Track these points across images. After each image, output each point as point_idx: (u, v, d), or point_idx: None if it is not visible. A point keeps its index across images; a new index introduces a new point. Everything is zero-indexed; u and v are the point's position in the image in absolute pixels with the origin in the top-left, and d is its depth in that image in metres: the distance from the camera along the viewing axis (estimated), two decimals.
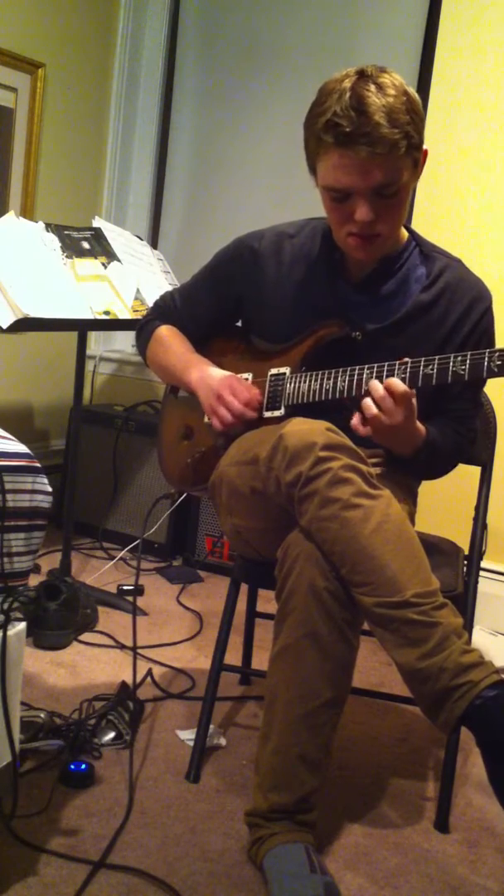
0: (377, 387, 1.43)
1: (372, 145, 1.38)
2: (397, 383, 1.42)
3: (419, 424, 1.50)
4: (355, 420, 1.48)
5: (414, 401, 1.44)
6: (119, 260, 2.52)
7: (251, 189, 3.12)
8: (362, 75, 1.42)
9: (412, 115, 1.42)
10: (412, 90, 1.45)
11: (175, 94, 3.29)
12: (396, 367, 1.45)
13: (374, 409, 1.44)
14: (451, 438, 1.62)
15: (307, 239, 1.65)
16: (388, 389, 1.42)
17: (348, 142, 1.39)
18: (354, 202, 1.46)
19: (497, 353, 1.35)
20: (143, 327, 1.86)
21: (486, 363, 1.36)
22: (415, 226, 2.69)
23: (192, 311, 1.79)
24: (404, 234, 1.63)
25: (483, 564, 1.98)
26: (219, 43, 3.16)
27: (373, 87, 1.39)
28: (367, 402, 1.45)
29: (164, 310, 1.84)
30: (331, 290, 1.62)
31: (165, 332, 1.81)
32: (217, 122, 3.20)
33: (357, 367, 1.50)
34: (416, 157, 1.46)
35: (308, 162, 1.52)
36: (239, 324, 1.79)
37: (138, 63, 3.31)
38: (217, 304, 1.75)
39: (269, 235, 1.67)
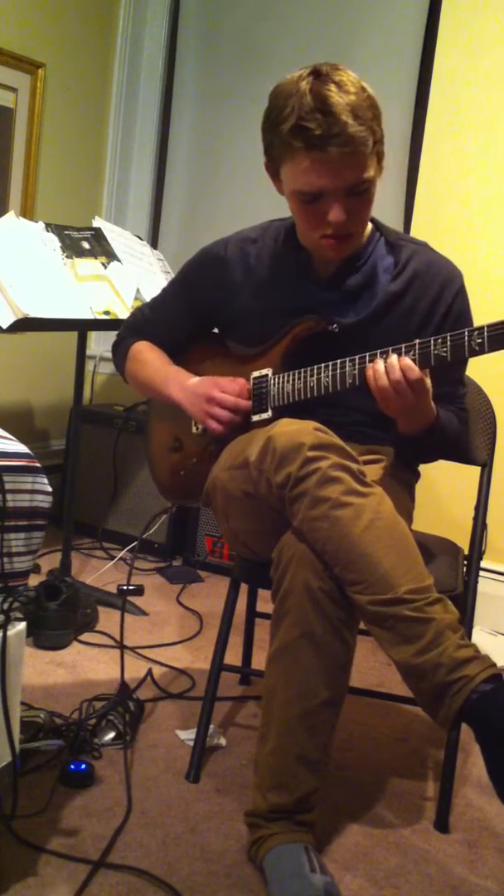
0: (394, 367, 1.40)
1: (342, 145, 1.38)
2: (412, 367, 1.39)
3: (432, 403, 1.48)
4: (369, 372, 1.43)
5: (428, 380, 1.42)
6: (119, 260, 2.53)
7: (251, 189, 3.12)
8: (318, 75, 1.41)
9: (374, 112, 1.43)
10: (367, 85, 1.44)
11: (175, 94, 3.29)
12: (378, 355, 1.44)
13: (384, 381, 1.40)
14: (452, 420, 1.61)
15: (271, 241, 1.65)
16: (404, 372, 1.39)
17: (319, 144, 1.38)
18: (326, 204, 1.46)
19: (476, 332, 1.35)
20: (117, 346, 1.86)
21: (466, 342, 1.36)
22: (415, 225, 2.71)
23: (164, 324, 1.79)
24: (368, 225, 1.62)
25: (483, 564, 1.98)
26: (219, 43, 3.16)
27: (333, 87, 1.39)
28: (379, 371, 1.41)
29: (137, 326, 1.84)
30: (300, 290, 1.62)
31: (140, 347, 1.80)
32: (217, 122, 3.19)
33: (339, 361, 1.50)
34: (380, 151, 1.46)
35: (270, 168, 1.52)
36: (215, 331, 1.78)
37: (138, 63, 3.31)
38: (189, 314, 1.75)
39: (233, 242, 1.67)
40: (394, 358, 1.41)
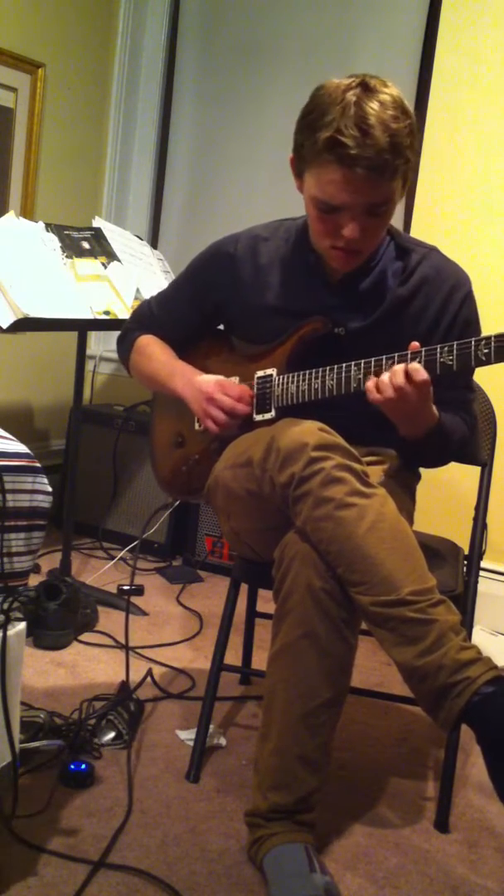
0: (399, 374, 1.40)
1: (371, 168, 1.37)
2: (420, 371, 1.39)
3: (433, 408, 1.48)
4: (370, 384, 1.44)
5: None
6: (119, 260, 2.53)
7: (251, 189, 3.12)
8: (366, 88, 1.38)
9: (412, 138, 1.41)
10: (409, 106, 1.42)
11: (175, 94, 3.29)
12: (384, 361, 1.44)
13: (390, 392, 1.40)
14: (458, 425, 1.61)
15: (282, 241, 1.64)
16: (408, 376, 1.39)
17: (350, 162, 1.37)
18: (343, 218, 1.45)
19: (483, 342, 1.34)
20: (123, 338, 1.85)
21: (472, 352, 1.35)
22: (415, 226, 2.71)
23: (171, 318, 1.78)
24: None
25: (483, 564, 1.98)
26: (219, 43, 3.16)
27: (377, 105, 1.36)
28: (385, 381, 1.41)
29: (143, 319, 1.83)
30: (308, 291, 1.61)
31: (146, 341, 1.79)
32: (217, 122, 3.19)
33: (344, 365, 1.50)
34: (407, 175, 1.45)
35: (296, 166, 1.50)
36: (221, 327, 1.78)
37: (138, 63, 3.31)
38: (196, 310, 1.74)
39: (243, 239, 1.66)
40: (397, 367, 1.40)
